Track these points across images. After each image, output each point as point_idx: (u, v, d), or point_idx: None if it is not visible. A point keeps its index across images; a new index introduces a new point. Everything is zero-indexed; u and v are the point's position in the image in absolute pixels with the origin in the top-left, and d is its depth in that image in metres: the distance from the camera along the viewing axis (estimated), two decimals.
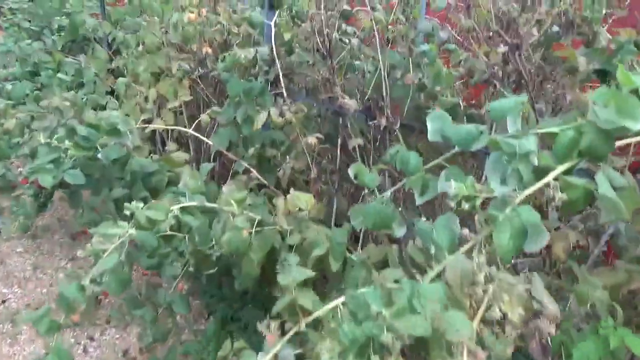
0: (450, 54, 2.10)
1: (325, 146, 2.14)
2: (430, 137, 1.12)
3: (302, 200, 1.60)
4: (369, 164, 2.00)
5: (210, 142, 2.28)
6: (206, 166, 2.41)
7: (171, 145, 2.19)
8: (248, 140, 2.40)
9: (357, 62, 2.19)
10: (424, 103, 1.92)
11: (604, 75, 1.50)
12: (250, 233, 1.59)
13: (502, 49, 1.32)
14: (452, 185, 0.90)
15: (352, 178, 1.30)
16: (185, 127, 3.12)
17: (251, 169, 2.34)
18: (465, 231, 0.84)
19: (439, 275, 0.86)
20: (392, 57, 1.97)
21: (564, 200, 0.87)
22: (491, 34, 1.34)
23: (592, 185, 0.88)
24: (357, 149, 1.85)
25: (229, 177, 2.59)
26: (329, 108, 2.09)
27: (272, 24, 2.34)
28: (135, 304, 1.92)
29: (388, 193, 1.22)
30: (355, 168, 1.27)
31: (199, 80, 3.01)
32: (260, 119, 2.04)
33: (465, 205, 0.90)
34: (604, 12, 1.47)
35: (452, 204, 0.89)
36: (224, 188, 1.71)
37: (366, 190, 2.01)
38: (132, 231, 1.30)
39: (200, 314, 2.73)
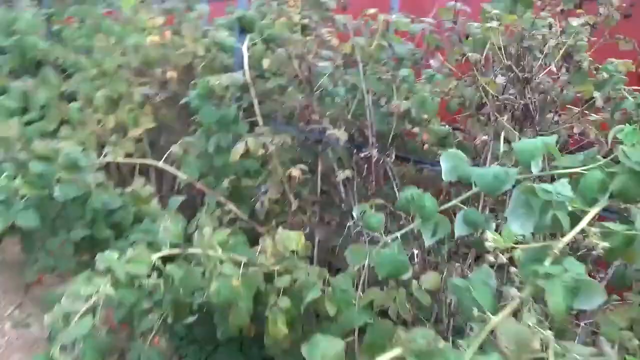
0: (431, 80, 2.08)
1: (305, 176, 2.04)
2: (445, 177, 1.05)
3: (293, 240, 1.49)
4: (353, 195, 1.92)
5: (180, 175, 2.12)
6: (175, 200, 2.25)
7: (138, 180, 2.01)
8: (220, 171, 2.26)
9: (336, 89, 2.11)
10: (410, 131, 1.87)
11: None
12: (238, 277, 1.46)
13: (501, 79, 1.29)
14: (489, 237, 0.82)
15: (356, 218, 1.20)
16: (144, 154, 2.94)
17: (225, 201, 2.21)
18: (513, 291, 0.77)
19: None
20: (374, 84, 1.91)
21: (605, 249, 0.82)
22: (482, 62, 1.30)
23: (632, 231, 0.83)
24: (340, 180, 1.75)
25: (199, 208, 2.43)
26: (308, 136, 1.99)
27: (245, 48, 2.24)
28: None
29: (397, 235, 1.13)
30: (362, 208, 1.18)
31: (161, 106, 2.84)
32: (238, 149, 1.91)
33: (503, 259, 0.82)
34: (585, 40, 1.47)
35: (491, 258, 0.81)
36: (205, 229, 1.56)
37: (351, 222, 1.93)
38: (109, 289, 1.14)
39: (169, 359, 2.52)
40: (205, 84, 1.96)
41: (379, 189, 1.78)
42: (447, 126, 1.68)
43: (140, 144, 2.84)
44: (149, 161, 2.14)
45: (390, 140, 1.85)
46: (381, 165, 1.78)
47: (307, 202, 2.06)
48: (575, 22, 1.08)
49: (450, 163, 1.04)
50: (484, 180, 0.91)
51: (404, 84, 1.95)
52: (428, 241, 1.14)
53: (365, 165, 1.78)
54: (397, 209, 1.05)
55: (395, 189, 1.69)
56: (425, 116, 1.74)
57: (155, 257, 1.30)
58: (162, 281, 1.36)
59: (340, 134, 1.56)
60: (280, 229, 1.52)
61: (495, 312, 0.79)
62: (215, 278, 1.32)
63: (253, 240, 2.29)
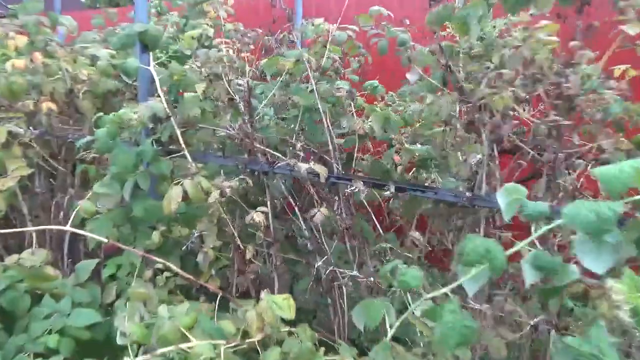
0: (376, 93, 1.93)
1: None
2: (505, 215, 0.87)
3: (283, 306, 1.19)
4: (319, 231, 1.67)
5: (93, 236, 1.64)
6: (84, 268, 1.76)
7: (40, 253, 1.50)
8: (140, 221, 1.83)
9: (267, 110, 1.84)
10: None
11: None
12: None
13: (509, 93, 1.17)
14: (614, 288, 0.66)
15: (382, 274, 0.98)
16: (17, 209, 2.32)
17: (153, 257, 1.78)
18: None
19: None
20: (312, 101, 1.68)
21: None
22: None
23: None
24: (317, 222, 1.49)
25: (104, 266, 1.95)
26: (254, 168, 1.69)
27: (153, 70, 1.83)
28: None
29: (447, 291, 0.93)
30: (392, 265, 0.95)
31: (34, 144, 2.25)
32: (173, 197, 1.53)
33: (627, 312, 0.67)
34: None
35: (622, 314, 0.66)
36: (159, 311, 1.18)
37: (318, 263, 1.68)
38: None
39: None
40: (116, 119, 1.53)
41: (351, 222, 1.57)
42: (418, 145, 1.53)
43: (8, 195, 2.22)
44: (53, 227, 1.63)
45: (354, 163, 1.65)
46: (350, 193, 1.56)
47: (264, 246, 1.75)
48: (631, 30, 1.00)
49: (509, 198, 0.87)
50: (582, 221, 0.75)
51: (352, 101, 1.77)
52: (471, 293, 0.96)
53: (335, 196, 1.54)
54: (465, 264, 0.85)
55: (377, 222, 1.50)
56: (393, 136, 1.57)
57: None
58: None
59: (320, 169, 1.30)
60: (263, 294, 1.22)
61: None
62: None
63: (188, 296, 1.92)
